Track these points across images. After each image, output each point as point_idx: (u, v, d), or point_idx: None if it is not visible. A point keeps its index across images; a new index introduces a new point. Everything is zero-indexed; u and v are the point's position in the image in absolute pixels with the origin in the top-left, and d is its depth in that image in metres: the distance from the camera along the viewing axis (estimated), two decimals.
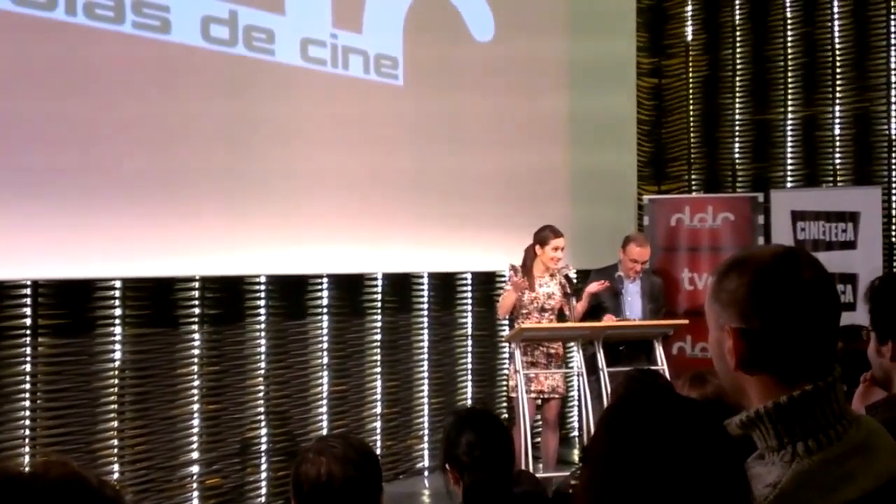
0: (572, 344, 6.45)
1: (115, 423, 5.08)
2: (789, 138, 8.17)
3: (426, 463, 6.80)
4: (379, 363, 6.50)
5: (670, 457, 1.23)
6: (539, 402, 6.16)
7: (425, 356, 6.86)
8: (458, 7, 6.86)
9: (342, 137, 6.00)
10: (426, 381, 6.86)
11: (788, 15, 8.14)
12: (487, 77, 6.96)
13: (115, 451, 5.09)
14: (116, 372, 5.09)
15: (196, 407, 5.45)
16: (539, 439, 6.47)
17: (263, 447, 5.80)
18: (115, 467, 5.08)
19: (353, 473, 2.21)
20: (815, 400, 1.38)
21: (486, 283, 7.26)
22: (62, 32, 4.68)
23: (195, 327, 5.47)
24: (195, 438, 5.44)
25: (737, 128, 8.40)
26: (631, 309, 6.55)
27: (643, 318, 6.50)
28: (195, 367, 5.45)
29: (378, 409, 6.51)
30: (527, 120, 7.25)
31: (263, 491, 5.80)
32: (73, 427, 4.91)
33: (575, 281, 6.21)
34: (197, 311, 5.47)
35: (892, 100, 7.73)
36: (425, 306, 6.87)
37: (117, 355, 5.11)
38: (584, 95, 7.77)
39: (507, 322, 7.27)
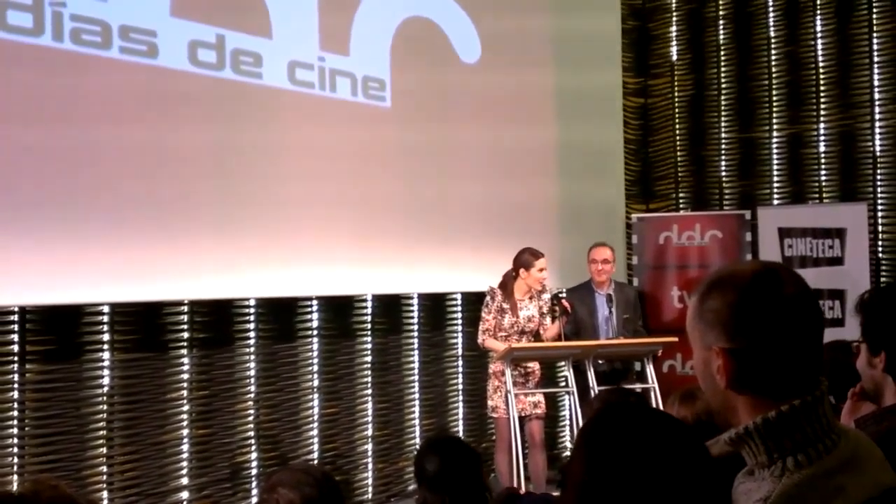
0: (562, 363, 6.45)
1: (104, 450, 5.04)
2: (775, 156, 8.21)
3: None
4: (369, 385, 6.48)
5: (648, 479, 1.23)
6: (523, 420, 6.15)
7: (416, 377, 6.84)
8: (445, 29, 6.89)
9: (330, 159, 6.01)
10: (417, 403, 6.83)
11: (772, 34, 8.20)
12: (475, 98, 6.99)
13: (105, 477, 5.05)
14: (105, 397, 5.06)
15: (185, 432, 5.41)
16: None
17: (254, 471, 5.76)
18: (105, 494, 5.03)
19: (312, 494, 2.23)
20: (803, 414, 1.38)
21: (476, 303, 7.22)
22: (49, 58, 4.68)
23: (184, 351, 5.44)
24: (185, 463, 5.40)
25: (723, 146, 8.44)
26: (607, 323, 6.57)
27: (618, 330, 6.51)
28: (184, 392, 5.42)
29: (369, 432, 6.48)
30: (515, 141, 7.27)
31: None
32: (62, 454, 4.87)
33: (553, 302, 6.24)
34: (186, 334, 5.45)
35: (876, 117, 7.79)
36: (415, 327, 6.86)
37: (106, 381, 5.07)
38: (570, 117, 7.81)
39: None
